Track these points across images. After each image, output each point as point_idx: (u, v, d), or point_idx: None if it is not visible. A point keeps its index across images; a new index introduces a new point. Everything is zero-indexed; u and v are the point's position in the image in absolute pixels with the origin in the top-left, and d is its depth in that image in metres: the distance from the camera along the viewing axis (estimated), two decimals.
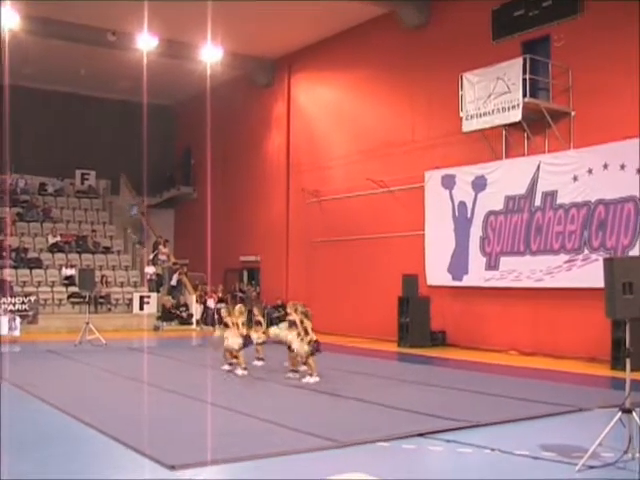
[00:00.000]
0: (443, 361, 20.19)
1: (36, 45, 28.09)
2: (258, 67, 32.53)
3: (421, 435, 10.23)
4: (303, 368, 15.73)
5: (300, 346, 15.20)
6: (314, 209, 29.82)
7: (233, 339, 16.38)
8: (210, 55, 28.67)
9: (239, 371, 16.09)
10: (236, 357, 16.45)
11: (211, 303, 30.46)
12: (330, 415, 11.87)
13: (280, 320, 18.90)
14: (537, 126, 21.26)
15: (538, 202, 20.99)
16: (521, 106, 20.47)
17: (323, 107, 30.10)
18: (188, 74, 31.55)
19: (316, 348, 15.32)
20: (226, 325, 16.76)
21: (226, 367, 16.72)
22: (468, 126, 22.07)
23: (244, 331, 16.46)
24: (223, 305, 27.52)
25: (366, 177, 26.49)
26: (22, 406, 12.64)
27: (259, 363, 17.42)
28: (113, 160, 35.94)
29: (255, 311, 17.95)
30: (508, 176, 21.80)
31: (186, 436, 10.11)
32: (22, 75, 31.56)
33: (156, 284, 31.68)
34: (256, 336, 17.17)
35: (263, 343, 17.44)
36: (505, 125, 21.46)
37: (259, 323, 17.48)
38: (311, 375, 15.17)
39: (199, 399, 13.00)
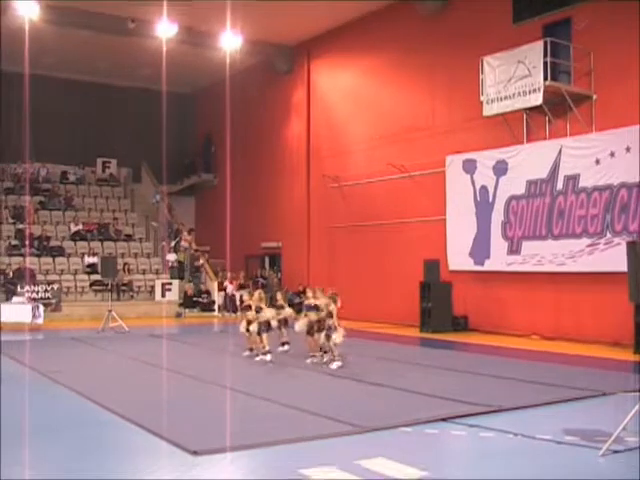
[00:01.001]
0: (465, 346, 20.15)
1: (56, 34, 28.14)
2: (277, 54, 32.46)
3: (444, 420, 10.23)
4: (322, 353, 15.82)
5: (338, 336, 15.14)
6: (335, 195, 29.78)
7: (266, 312, 16.31)
8: (229, 42, 28.64)
9: (264, 357, 16.10)
10: (260, 341, 16.41)
11: (230, 289, 30.51)
12: (352, 400, 11.87)
13: (301, 305, 18.84)
14: (558, 109, 21.10)
15: (560, 186, 20.85)
16: (542, 89, 20.31)
17: (343, 93, 30.00)
18: (208, 62, 31.57)
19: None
20: (248, 308, 16.77)
21: (246, 353, 16.78)
22: (489, 110, 21.94)
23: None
24: (244, 291, 27.57)
25: (387, 162, 26.41)
26: (46, 393, 12.74)
27: (284, 348, 17.45)
28: (134, 148, 36.03)
29: (278, 296, 17.97)
30: (529, 160, 21.66)
31: (209, 422, 10.16)
32: (43, 64, 31.75)
33: (178, 271, 31.79)
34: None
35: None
36: (526, 109, 21.30)
37: (282, 307, 17.48)
38: (333, 360, 15.19)
39: (221, 385, 13.05)
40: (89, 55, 32.67)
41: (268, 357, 16.03)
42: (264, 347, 16.24)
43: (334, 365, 15.02)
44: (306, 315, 15.99)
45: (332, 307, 15.22)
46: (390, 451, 8.67)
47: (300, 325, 16.15)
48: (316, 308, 15.66)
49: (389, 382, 13.28)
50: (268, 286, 32.44)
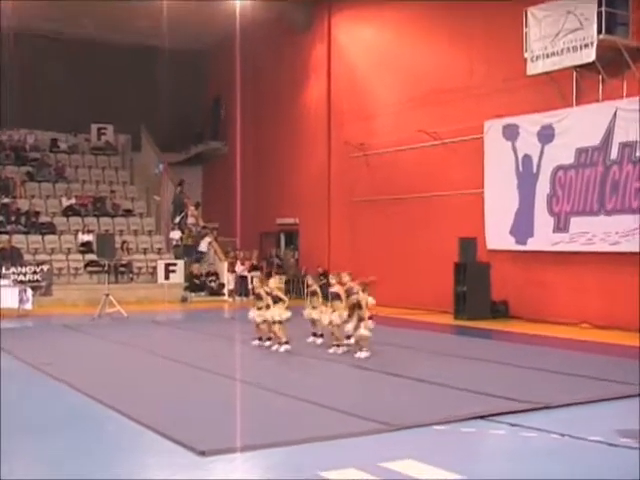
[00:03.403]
0: (505, 335, 20.12)
1: None
2: (295, 7, 32.31)
3: (482, 417, 10.23)
4: (349, 342, 15.91)
5: (365, 327, 15.13)
6: (359, 165, 29.71)
7: (278, 311, 16.28)
8: None
9: (282, 347, 16.05)
10: (274, 331, 16.42)
11: (243, 271, 30.58)
12: (378, 395, 11.93)
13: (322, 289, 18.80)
14: (614, 67, 20.88)
15: (614, 155, 20.69)
16: (595, 44, 20.14)
17: (368, 50, 29.86)
18: (216, 15, 31.40)
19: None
20: (259, 297, 16.75)
21: (256, 342, 16.80)
22: (534, 68, 21.80)
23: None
24: (256, 274, 27.66)
25: (417, 128, 26.28)
26: (37, 387, 12.84)
27: (318, 340, 17.28)
28: (133, 113, 35.89)
29: (309, 281, 17.92)
30: (579, 125, 21.49)
31: (218, 419, 10.20)
32: (29, 18, 31.55)
33: (183, 250, 31.84)
34: (308, 310, 17.10)
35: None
36: (576, 66, 21.12)
37: (315, 294, 17.38)
38: (360, 349, 15.22)
39: (232, 377, 13.08)
40: (81, 8, 32.45)
41: (283, 348, 16.04)
42: (280, 338, 16.23)
43: (362, 354, 15.03)
44: (332, 305, 16.05)
45: (362, 297, 15.22)
46: (421, 452, 8.68)
47: (325, 318, 16.33)
48: (338, 297, 15.75)
49: (420, 375, 13.28)
50: (284, 267, 32.58)
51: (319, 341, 17.26)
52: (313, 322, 17.37)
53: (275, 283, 16.73)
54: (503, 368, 14.43)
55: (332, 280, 16.43)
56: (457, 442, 9.32)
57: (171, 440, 9.08)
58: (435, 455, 8.57)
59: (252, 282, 28.30)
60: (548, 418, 10.33)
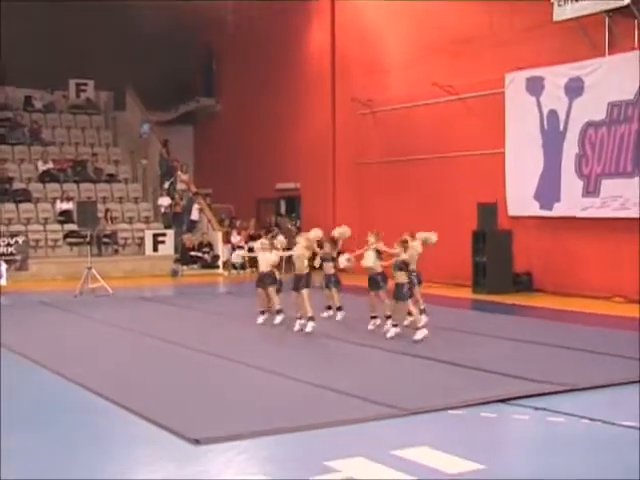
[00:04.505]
0: (529, 310, 20.17)
1: None
2: None
3: (503, 401, 10.26)
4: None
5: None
6: (367, 123, 29.65)
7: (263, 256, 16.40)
8: None
9: (309, 326, 15.69)
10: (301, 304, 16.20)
11: (239, 242, 30.59)
12: (391, 376, 11.99)
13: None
14: None
15: None
16: None
17: None
18: None
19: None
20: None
21: (260, 319, 16.80)
22: (561, 14, 21.68)
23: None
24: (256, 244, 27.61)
25: (431, 82, 26.20)
26: (13, 371, 12.83)
27: (334, 313, 17.36)
28: (115, 66, 35.67)
29: (327, 248, 17.47)
30: (612, 77, 21.38)
31: (213, 405, 10.25)
32: None
33: (173, 219, 31.83)
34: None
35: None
36: (609, 11, 21.00)
37: (332, 260, 17.30)
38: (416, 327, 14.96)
39: (228, 359, 13.16)
40: None
41: (310, 325, 15.73)
42: (306, 312, 15.80)
43: (419, 335, 14.75)
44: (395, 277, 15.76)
45: (404, 256, 15.20)
46: (436, 439, 8.72)
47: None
48: (406, 266, 15.58)
49: (435, 354, 13.33)
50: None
51: (339, 315, 17.31)
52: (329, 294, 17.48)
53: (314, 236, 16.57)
54: (526, 346, 14.46)
55: (397, 248, 16.10)
56: (477, 428, 9.36)
57: (163, 428, 9.12)
58: (452, 442, 8.60)
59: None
60: (577, 401, 10.37)
